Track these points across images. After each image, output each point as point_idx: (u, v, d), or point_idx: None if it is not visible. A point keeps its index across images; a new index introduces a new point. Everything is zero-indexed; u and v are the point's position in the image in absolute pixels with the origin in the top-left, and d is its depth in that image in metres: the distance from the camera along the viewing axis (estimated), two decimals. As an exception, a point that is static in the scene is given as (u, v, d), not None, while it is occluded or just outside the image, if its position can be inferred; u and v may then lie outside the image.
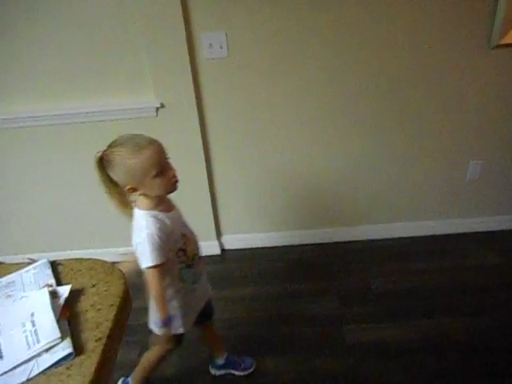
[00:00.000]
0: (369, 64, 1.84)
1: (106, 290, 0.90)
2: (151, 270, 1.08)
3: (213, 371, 1.61)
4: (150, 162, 1.04)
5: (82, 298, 0.89)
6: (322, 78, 1.87)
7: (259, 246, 2.29)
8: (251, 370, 1.59)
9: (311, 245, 2.24)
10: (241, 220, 2.26)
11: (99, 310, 0.85)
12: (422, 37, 1.79)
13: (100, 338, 0.78)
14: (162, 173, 1.07)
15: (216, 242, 2.26)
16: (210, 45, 1.78)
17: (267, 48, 1.81)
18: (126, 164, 1.04)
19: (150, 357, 1.38)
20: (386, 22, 1.76)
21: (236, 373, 1.58)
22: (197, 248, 1.25)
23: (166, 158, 1.10)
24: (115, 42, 1.78)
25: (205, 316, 1.38)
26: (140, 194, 1.11)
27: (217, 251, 2.28)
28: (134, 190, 1.08)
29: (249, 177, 2.12)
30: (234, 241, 2.30)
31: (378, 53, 1.82)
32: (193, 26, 1.75)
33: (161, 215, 1.12)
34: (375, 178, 2.12)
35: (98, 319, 0.83)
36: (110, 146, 1.06)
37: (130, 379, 1.45)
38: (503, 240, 2.20)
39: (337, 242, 2.24)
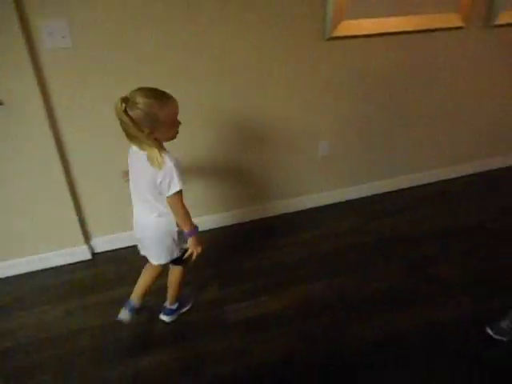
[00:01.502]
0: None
1: None
2: (178, 194, 1.33)
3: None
4: (171, 112, 1.27)
5: None
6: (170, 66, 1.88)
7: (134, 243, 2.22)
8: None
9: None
10: (112, 220, 2.14)
11: None
12: (267, 33, 1.92)
13: None
14: (176, 123, 1.31)
15: (85, 247, 2.11)
16: (51, 34, 1.62)
17: (114, 37, 1.72)
18: (150, 111, 1.22)
19: (176, 277, 1.66)
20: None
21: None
22: None
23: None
24: None
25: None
26: (154, 140, 1.29)
27: (87, 256, 2.13)
28: (150, 133, 1.26)
29: (113, 174, 2.01)
30: (106, 242, 2.18)
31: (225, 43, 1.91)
32: (28, 12, 1.58)
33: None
34: (232, 167, 2.23)
35: None
36: (132, 95, 1.23)
37: (168, 305, 1.74)
38: (353, 208, 2.55)
39: (210, 229, 2.32)
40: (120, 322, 1.59)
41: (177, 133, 1.35)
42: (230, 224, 2.39)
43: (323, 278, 1.98)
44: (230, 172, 2.24)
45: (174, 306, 1.76)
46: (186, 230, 1.41)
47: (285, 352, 1.62)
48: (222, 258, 2.13)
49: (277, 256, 2.14)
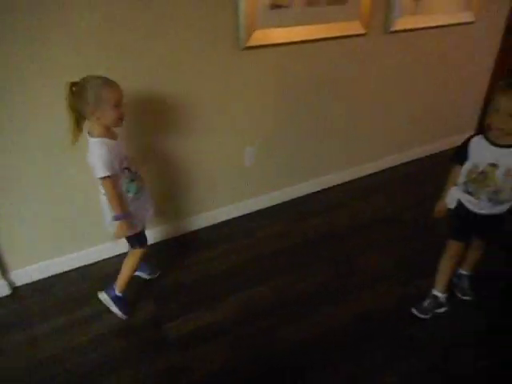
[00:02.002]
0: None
1: None
2: (104, 179, 1.49)
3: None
4: (115, 94, 1.44)
5: None
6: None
7: (64, 270, 2.10)
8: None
9: (115, 257, 2.16)
10: (33, 247, 1.99)
11: None
12: (183, 47, 1.92)
13: None
14: (119, 107, 1.46)
15: (2, 282, 1.93)
16: None
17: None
18: (98, 91, 1.40)
19: (128, 262, 1.79)
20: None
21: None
22: (137, 167, 1.65)
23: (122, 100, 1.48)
24: None
25: None
26: (98, 121, 1.46)
27: (5, 292, 1.96)
28: (94, 110, 1.43)
29: (30, 196, 1.89)
30: (29, 273, 2.02)
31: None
32: None
33: (108, 141, 1.50)
34: (160, 179, 2.20)
35: None
36: (82, 79, 1.43)
37: (114, 286, 1.80)
38: (281, 211, 2.62)
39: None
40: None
41: (120, 120, 1.50)
42: (159, 240, 2.34)
43: (256, 285, 2.01)
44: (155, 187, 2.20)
45: (116, 293, 1.81)
46: (115, 213, 1.55)
47: (224, 362, 1.63)
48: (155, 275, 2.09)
49: (208, 268, 2.13)
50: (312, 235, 2.37)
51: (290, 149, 2.55)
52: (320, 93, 2.48)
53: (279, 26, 2.14)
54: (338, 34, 2.34)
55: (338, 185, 2.86)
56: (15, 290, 2.00)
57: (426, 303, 1.81)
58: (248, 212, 2.57)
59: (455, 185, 1.66)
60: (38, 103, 1.71)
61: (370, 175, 2.99)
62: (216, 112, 2.18)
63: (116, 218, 1.57)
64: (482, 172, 1.51)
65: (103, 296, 1.82)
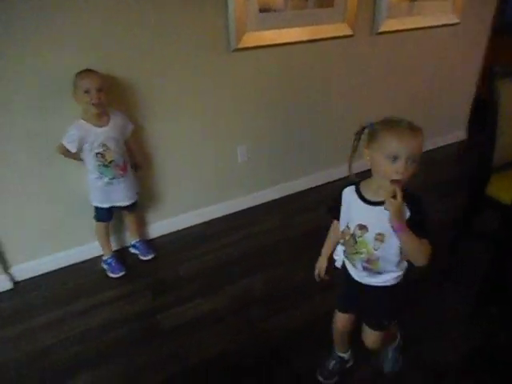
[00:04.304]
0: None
1: None
2: (60, 146, 1.81)
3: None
4: (85, 81, 1.70)
5: None
6: None
7: (63, 265, 2.17)
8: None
9: (115, 251, 2.23)
10: (32, 244, 2.07)
11: None
12: (174, 49, 2.01)
13: None
14: (89, 93, 1.70)
15: (3, 277, 2.00)
16: None
17: None
18: (75, 80, 1.72)
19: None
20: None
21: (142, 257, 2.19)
22: (117, 159, 1.87)
23: (98, 89, 1.71)
24: None
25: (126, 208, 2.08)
26: (79, 105, 1.76)
27: (7, 286, 2.03)
28: (76, 101, 1.76)
29: (32, 193, 1.96)
30: (29, 268, 2.09)
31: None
32: None
33: (86, 125, 1.78)
34: (156, 176, 2.28)
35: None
36: None
37: None
38: (275, 207, 2.70)
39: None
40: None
41: (91, 105, 1.72)
42: (159, 235, 2.42)
43: (250, 276, 2.07)
44: (149, 184, 2.28)
45: (103, 259, 2.13)
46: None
47: (219, 350, 1.69)
48: (155, 267, 2.16)
49: (204, 261, 2.20)
50: (305, 230, 2.44)
51: (282, 147, 2.63)
52: (310, 92, 2.56)
53: (269, 29, 2.23)
54: (326, 36, 2.43)
55: (331, 182, 2.93)
56: (16, 284, 2.07)
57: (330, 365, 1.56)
58: (243, 208, 2.64)
59: (335, 242, 1.38)
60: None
61: (363, 172, 3.03)
62: (208, 111, 2.26)
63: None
64: (353, 235, 1.18)
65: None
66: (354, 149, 1.21)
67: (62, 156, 1.84)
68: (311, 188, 2.87)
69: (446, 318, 1.80)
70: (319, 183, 2.90)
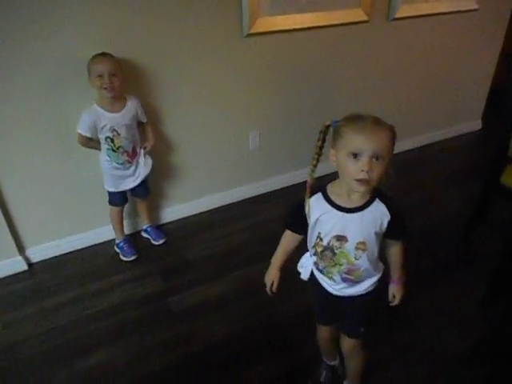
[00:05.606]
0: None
1: None
2: (78, 133, 1.83)
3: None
4: (97, 66, 1.71)
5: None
6: None
7: (76, 248, 2.21)
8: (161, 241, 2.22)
9: (128, 235, 2.25)
10: (47, 226, 2.11)
11: None
12: (189, 32, 2.00)
13: None
14: (101, 77, 1.71)
15: (19, 258, 2.06)
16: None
17: None
18: (88, 65, 1.73)
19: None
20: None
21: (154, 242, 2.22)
22: (126, 145, 1.89)
23: (111, 73, 1.71)
24: None
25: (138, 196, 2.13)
26: (94, 89, 1.78)
27: (22, 267, 2.08)
28: (91, 85, 1.77)
29: (44, 178, 2.00)
30: (43, 250, 2.14)
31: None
32: None
33: (99, 110, 1.80)
34: (163, 162, 2.29)
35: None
36: None
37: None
38: (284, 195, 2.69)
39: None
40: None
41: (103, 89, 1.73)
42: (170, 220, 2.44)
43: (257, 263, 2.05)
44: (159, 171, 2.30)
45: (116, 242, 2.17)
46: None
47: (224, 333, 1.72)
48: (164, 252, 2.19)
49: (212, 246, 2.22)
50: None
51: (294, 134, 2.61)
52: (323, 79, 2.53)
53: (282, 14, 2.20)
54: (340, 21, 2.39)
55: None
56: (31, 266, 2.12)
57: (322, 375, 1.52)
58: (252, 196, 2.65)
59: (288, 252, 1.26)
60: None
61: (321, 177, 3.00)
62: (221, 96, 2.26)
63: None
64: (328, 247, 1.09)
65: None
66: (318, 150, 1.11)
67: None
68: (320, 177, 2.84)
69: (453, 308, 1.80)
70: (328, 172, 2.87)
